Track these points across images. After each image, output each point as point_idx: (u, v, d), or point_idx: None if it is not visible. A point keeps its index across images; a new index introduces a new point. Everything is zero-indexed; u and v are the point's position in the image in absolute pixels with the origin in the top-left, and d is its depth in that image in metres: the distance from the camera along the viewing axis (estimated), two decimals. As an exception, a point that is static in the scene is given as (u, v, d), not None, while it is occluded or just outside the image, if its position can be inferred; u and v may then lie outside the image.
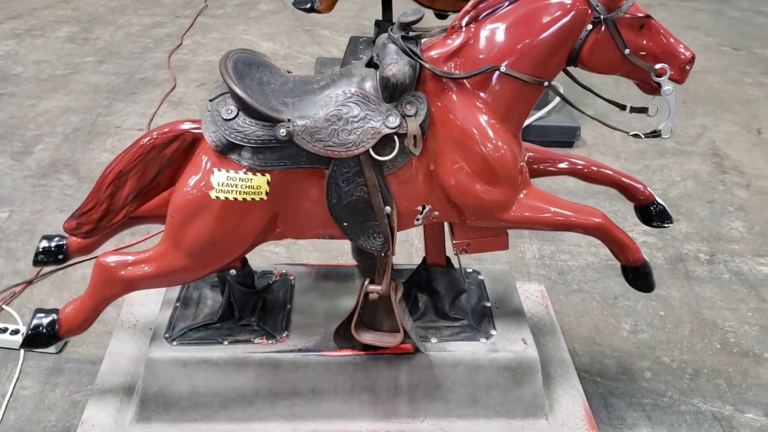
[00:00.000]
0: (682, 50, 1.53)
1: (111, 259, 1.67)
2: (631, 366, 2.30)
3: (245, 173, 1.53)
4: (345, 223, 1.60)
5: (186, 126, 1.60)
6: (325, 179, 1.55)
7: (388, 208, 1.57)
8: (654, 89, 1.57)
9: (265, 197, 1.55)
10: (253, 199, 1.55)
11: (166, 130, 1.60)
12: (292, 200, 1.60)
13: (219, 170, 1.54)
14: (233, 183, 1.53)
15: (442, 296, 1.85)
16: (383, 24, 3.60)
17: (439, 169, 1.57)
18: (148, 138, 1.60)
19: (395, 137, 1.51)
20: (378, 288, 1.66)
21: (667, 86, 1.53)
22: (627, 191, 1.81)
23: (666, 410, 2.13)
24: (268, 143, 1.51)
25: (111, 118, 3.73)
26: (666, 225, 1.82)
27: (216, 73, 4.19)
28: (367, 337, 1.71)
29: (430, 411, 1.83)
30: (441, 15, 3.61)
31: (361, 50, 3.68)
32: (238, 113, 1.51)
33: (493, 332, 1.85)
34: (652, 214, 1.82)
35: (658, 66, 1.52)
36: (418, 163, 1.56)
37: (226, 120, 1.51)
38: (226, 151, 1.53)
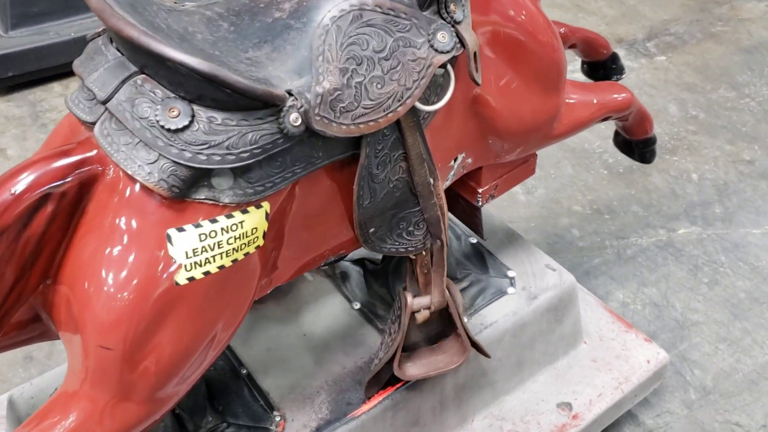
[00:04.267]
0: None
1: None
2: (555, 230, 2.05)
3: (229, 216, 0.78)
4: (372, 229, 0.95)
5: (45, 169, 0.75)
6: (344, 172, 0.89)
7: (431, 180, 0.96)
8: None
9: (262, 242, 0.83)
10: (247, 253, 0.82)
11: (14, 191, 0.73)
12: (294, 227, 0.89)
13: (180, 230, 0.76)
14: (213, 241, 0.77)
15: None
16: None
17: (481, 93, 0.99)
18: None
19: (448, 65, 0.88)
20: (426, 302, 1.07)
21: None
22: (591, 46, 1.43)
23: (619, 263, 1.93)
24: (268, 149, 0.77)
25: None
26: (623, 75, 1.51)
27: None
28: (417, 371, 1.13)
29: (479, 405, 1.35)
30: None
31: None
32: (194, 112, 0.73)
33: (510, 273, 1.39)
34: (611, 68, 1.47)
35: None
36: (454, 97, 0.96)
37: (175, 131, 0.72)
38: (188, 189, 0.75)
